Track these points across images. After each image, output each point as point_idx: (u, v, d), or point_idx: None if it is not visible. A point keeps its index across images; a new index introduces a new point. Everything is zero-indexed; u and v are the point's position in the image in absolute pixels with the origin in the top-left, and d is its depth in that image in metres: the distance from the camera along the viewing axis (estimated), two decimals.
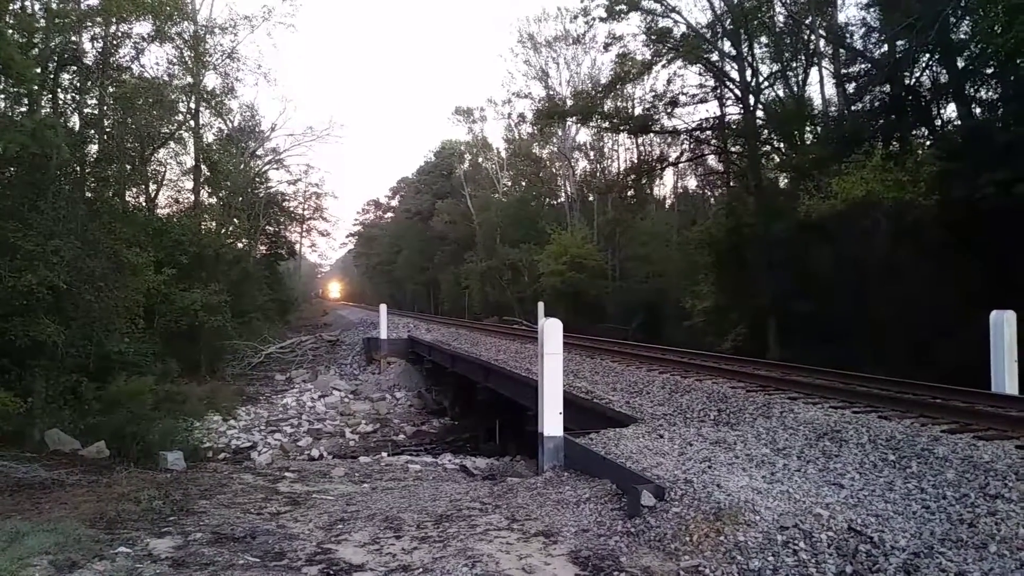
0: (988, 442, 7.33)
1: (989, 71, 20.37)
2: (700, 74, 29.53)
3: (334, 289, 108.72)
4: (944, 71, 21.18)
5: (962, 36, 20.62)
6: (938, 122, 22.30)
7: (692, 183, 48.93)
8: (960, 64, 20.60)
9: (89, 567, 6.00)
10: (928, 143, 22.02)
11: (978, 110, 20.85)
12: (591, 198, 50.16)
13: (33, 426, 13.47)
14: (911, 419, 8.61)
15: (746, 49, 26.83)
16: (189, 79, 28.68)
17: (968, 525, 5.52)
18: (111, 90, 21.52)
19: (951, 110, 21.92)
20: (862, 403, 9.73)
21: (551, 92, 49.66)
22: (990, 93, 20.90)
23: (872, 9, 23.37)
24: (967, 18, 20.42)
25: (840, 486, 6.68)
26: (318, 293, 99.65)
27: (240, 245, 37.83)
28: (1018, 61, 18.59)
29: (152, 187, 29.33)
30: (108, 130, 21.77)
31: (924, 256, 17.38)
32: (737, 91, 27.40)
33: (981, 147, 17.17)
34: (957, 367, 13.09)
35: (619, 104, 37.04)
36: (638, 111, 34.53)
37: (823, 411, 9.35)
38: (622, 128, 36.87)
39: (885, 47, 22.90)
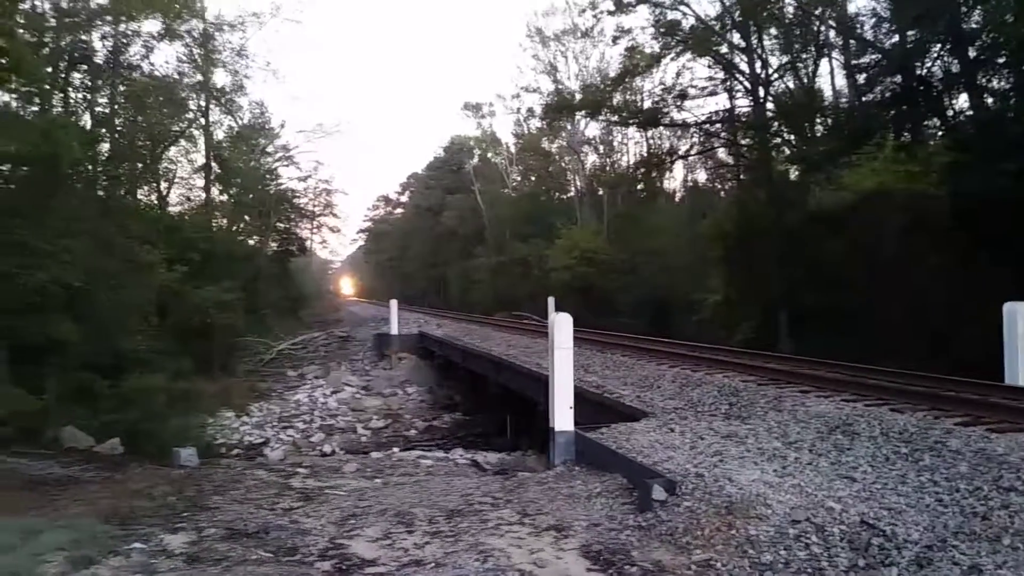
0: (1001, 434, 7.28)
1: (1001, 61, 20.18)
2: (709, 67, 29.41)
3: (345, 285, 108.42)
4: (955, 61, 20.99)
5: (973, 25, 20.44)
6: (950, 113, 22.13)
7: (702, 176, 48.69)
8: (972, 54, 20.41)
9: (104, 563, 6.05)
10: (940, 134, 21.87)
11: (990, 100, 20.68)
12: (600, 192, 50.01)
13: (48, 423, 13.58)
14: (923, 412, 8.57)
15: (755, 41, 26.70)
16: (199, 77, 28.79)
17: (981, 518, 5.49)
18: (122, 89, 21.68)
19: (963, 100, 21.77)
20: (874, 396, 9.69)
21: (560, 86, 49.49)
22: (1002, 83, 20.70)
23: None
24: (978, 7, 20.24)
25: (852, 479, 6.66)
26: (330, 288, 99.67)
27: (251, 242, 37.98)
28: None
29: (163, 185, 29.48)
30: (119, 129, 21.94)
31: (936, 248, 17.27)
32: (747, 83, 27.27)
33: (993, 138, 17.06)
34: (970, 359, 13.01)
35: (628, 97, 36.87)
36: (647, 104, 34.39)
37: (835, 404, 9.32)
38: (631, 122, 36.74)
39: (896, 37, 22.73)
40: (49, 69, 17.65)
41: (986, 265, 15.89)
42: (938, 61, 21.72)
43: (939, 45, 20.98)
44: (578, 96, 42.49)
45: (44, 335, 13.98)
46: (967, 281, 15.87)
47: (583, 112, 38.98)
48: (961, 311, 15.60)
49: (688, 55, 29.06)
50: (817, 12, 26.14)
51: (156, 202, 28.03)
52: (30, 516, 7.52)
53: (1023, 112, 18.37)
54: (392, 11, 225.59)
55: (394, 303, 31.50)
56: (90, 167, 18.98)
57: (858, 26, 24.86)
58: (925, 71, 21.81)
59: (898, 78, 22.36)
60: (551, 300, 29.87)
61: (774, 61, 27.86)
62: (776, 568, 5.24)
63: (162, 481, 9.72)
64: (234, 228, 33.42)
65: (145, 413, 14.75)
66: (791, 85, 28.24)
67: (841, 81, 28.43)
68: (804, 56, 27.48)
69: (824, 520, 5.68)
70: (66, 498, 8.76)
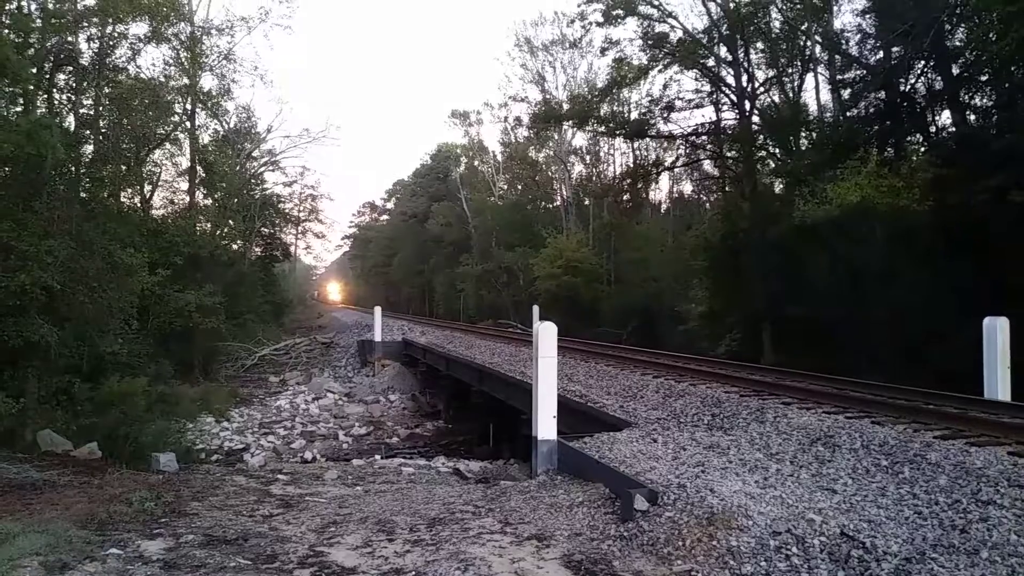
0: (980, 448, 7.35)
1: (984, 78, 20.44)
2: (696, 79, 29.66)
3: (333, 291, 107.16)
4: (939, 78, 21.24)
5: (957, 43, 20.69)
6: (933, 129, 22.35)
7: (688, 188, 49.09)
8: (955, 71, 20.66)
9: (80, 568, 5.98)
10: (923, 149, 22.09)
11: (972, 117, 20.90)
12: (587, 202, 50.18)
13: (25, 427, 13.42)
14: (904, 425, 8.63)
15: (742, 55, 26.92)
16: (185, 80, 28.61)
17: (960, 531, 5.53)
18: (107, 91, 21.47)
19: (946, 117, 21.98)
20: (855, 408, 9.76)
21: (547, 96, 49.73)
22: (985, 100, 20.96)
23: (868, 15, 23.46)
24: (962, 25, 20.49)
25: (833, 491, 6.69)
26: (314, 296, 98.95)
27: (235, 247, 37.77)
28: (1012, 68, 18.67)
29: (147, 188, 29.22)
30: (104, 131, 21.70)
31: (918, 262, 17.42)
32: (733, 96, 27.47)
33: (975, 154, 17.23)
34: (950, 373, 13.12)
35: (615, 108, 37.12)
36: (634, 115, 34.65)
37: (816, 416, 9.37)
38: (618, 132, 36.92)
39: (880, 54, 22.97)
40: (34, 70, 17.49)
41: (967, 280, 16.04)
42: (922, 78, 21.98)
43: (923, 62, 21.21)
44: (566, 106, 42.67)
45: (23, 338, 13.82)
46: (949, 295, 16.01)
47: (570, 122, 39.15)
48: (942, 325, 15.72)
49: (675, 67, 29.30)
50: (803, 27, 26.40)
51: (139, 205, 27.82)
52: (5, 520, 7.42)
53: (1005, 129, 18.56)
54: (381, 19, 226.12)
55: (378, 310, 31.46)
56: (73, 169, 18.79)
57: (843, 42, 25.11)
58: (909, 87, 22.04)
59: (882, 94, 22.55)
60: (536, 309, 29.97)
61: (760, 75, 28.16)
62: None
63: (140, 486, 9.61)
64: (218, 232, 33.19)
65: (124, 417, 14.59)
66: (777, 99, 28.53)
67: (826, 96, 28.74)
68: (790, 70, 27.75)
69: (804, 532, 5.69)
70: (42, 502, 8.65)
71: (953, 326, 14.70)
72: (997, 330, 10.92)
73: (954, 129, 20.91)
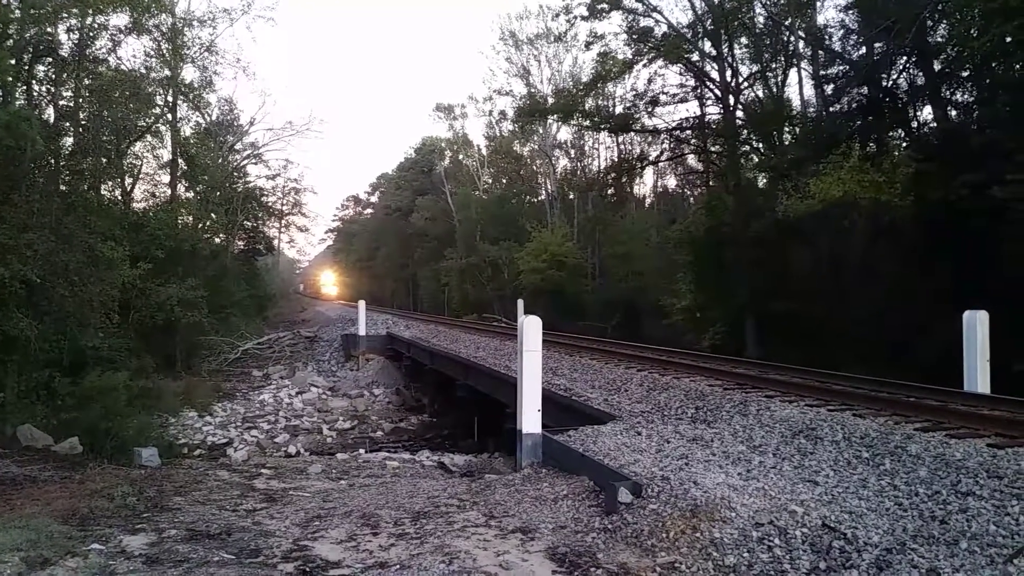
0: (960, 440, 7.42)
1: (965, 74, 20.60)
2: (681, 74, 29.73)
3: (328, 282, 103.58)
4: (921, 74, 21.39)
5: (939, 39, 20.84)
6: (914, 124, 22.53)
7: (672, 182, 49.31)
8: (937, 67, 20.82)
9: (61, 564, 5.93)
10: (904, 145, 22.25)
11: (954, 113, 21.07)
12: (571, 196, 50.22)
13: (5, 421, 13.31)
14: (885, 417, 8.70)
15: (726, 49, 26.99)
16: (167, 72, 28.31)
17: (940, 522, 5.59)
18: (87, 82, 21.24)
19: (927, 112, 22.16)
20: (837, 401, 9.82)
21: (532, 90, 49.65)
22: (966, 96, 21.13)
23: (851, 11, 23.58)
24: (944, 21, 20.64)
25: (815, 483, 6.74)
26: (299, 289, 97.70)
27: (217, 240, 37.50)
28: (993, 64, 18.83)
29: (128, 181, 28.93)
30: (83, 123, 21.48)
31: (900, 256, 17.56)
32: (717, 91, 27.56)
33: (956, 149, 17.37)
34: (931, 366, 13.25)
35: (600, 102, 37.11)
36: (619, 110, 34.62)
37: (799, 409, 9.42)
38: (603, 127, 36.97)
39: (863, 49, 23.11)
40: (13, 61, 17.27)
41: (948, 274, 16.19)
42: (904, 73, 22.13)
43: (905, 58, 21.36)
44: (550, 100, 42.72)
45: (2, 332, 13.69)
46: (929, 289, 16.16)
47: (555, 116, 39.15)
48: (923, 319, 15.87)
49: (660, 62, 29.33)
50: (787, 23, 26.50)
51: (120, 198, 27.52)
52: None
53: (985, 124, 18.73)
54: (365, 11, 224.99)
55: (362, 304, 31.34)
56: (53, 161, 18.62)
57: (827, 37, 25.27)
58: (891, 83, 22.19)
59: (865, 89, 22.70)
60: (520, 303, 29.98)
61: (744, 70, 28.26)
62: (739, 570, 5.29)
63: (122, 481, 9.54)
64: (200, 226, 32.91)
65: (105, 412, 14.48)
66: (760, 94, 28.61)
67: (809, 91, 28.91)
68: (774, 66, 27.85)
69: (787, 523, 5.74)
70: (22, 498, 8.57)
71: (934, 320, 14.83)
72: (977, 324, 11.03)
73: (935, 125, 21.07)
